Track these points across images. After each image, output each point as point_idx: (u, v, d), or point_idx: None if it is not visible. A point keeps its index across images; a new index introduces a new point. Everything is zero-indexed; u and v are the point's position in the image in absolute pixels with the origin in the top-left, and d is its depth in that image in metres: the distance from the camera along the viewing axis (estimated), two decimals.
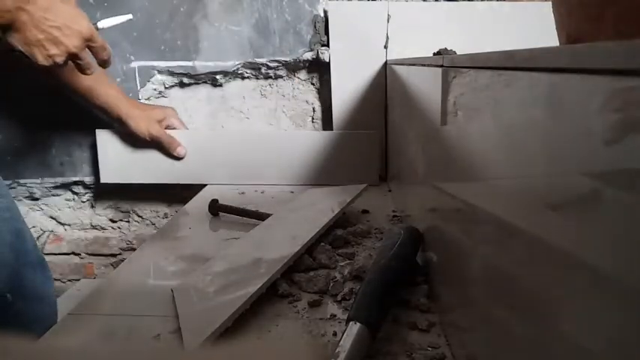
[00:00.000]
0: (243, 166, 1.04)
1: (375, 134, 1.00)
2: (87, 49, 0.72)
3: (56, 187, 1.13)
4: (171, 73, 1.05)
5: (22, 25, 0.65)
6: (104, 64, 0.76)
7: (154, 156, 1.04)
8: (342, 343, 0.40)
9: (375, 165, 1.01)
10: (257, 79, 1.07)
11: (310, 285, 0.55)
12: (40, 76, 0.93)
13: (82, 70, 0.75)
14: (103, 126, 1.06)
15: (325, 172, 1.03)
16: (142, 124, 0.95)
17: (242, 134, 1.05)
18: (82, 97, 0.93)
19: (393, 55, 0.97)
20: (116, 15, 0.80)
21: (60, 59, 0.69)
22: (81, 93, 0.92)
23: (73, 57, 0.71)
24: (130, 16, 0.82)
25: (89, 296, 0.56)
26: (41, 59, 0.68)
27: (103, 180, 1.05)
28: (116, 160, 1.05)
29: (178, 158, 1.02)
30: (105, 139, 1.04)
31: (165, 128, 0.99)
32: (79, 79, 0.90)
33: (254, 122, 1.09)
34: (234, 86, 1.07)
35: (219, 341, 0.44)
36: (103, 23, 0.79)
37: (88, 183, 1.11)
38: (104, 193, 1.14)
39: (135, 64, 1.04)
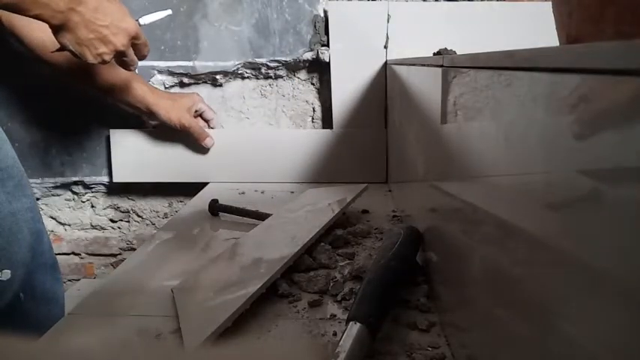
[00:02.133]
0: (246, 164, 1.04)
1: (382, 132, 1.01)
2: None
3: (56, 187, 1.13)
4: (171, 73, 1.05)
5: (74, 25, 0.66)
6: (143, 58, 0.78)
7: (156, 155, 1.05)
8: (342, 343, 0.40)
9: (382, 162, 1.02)
10: (257, 79, 1.07)
11: (310, 285, 0.55)
12: (62, 79, 0.95)
13: (127, 66, 0.76)
14: (103, 125, 1.06)
15: (332, 170, 1.03)
16: (172, 114, 0.95)
17: (251, 132, 1.05)
18: (112, 95, 0.93)
19: (393, 55, 0.97)
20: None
21: (108, 57, 0.71)
22: (111, 90, 0.93)
23: (119, 54, 0.72)
24: (169, 12, 0.83)
25: (89, 296, 0.56)
26: (91, 58, 0.69)
27: (115, 179, 1.07)
28: (125, 159, 1.06)
29: (205, 149, 1.03)
30: (118, 139, 1.05)
31: (195, 113, 1.00)
32: (109, 78, 0.91)
33: (254, 122, 1.09)
34: (234, 86, 1.07)
35: (219, 341, 0.44)
36: (145, 19, 0.79)
37: (88, 183, 1.11)
38: (104, 192, 1.14)
39: None
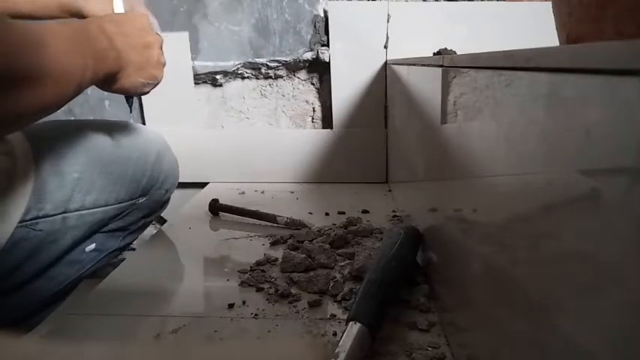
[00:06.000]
0: (246, 164, 1.04)
1: (382, 132, 1.01)
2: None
3: None
4: None
5: (127, 65, 0.56)
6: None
7: None
8: (342, 343, 0.40)
9: (382, 162, 1.02)
10: (257, 79, 1.07)
11: (310, 285, 0.55)
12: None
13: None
14: None
15: (332, 170, 1.04)
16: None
17: (251, 132, 1.06)
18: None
19: (393, 55, 0.97)
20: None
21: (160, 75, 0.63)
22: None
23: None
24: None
25: (89, 296, 0.56)
26: (149, 88, 0.61)
27: None
28: None
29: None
30: None
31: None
32: None
33: (254, 122, 1.09)
34: (234, 86, 1.07)
35: (219, 342, 0.44)
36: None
37: None
38: None
39: None
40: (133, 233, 0.73)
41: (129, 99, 0.67)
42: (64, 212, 0.59)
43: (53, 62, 0.40)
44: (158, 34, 0.63)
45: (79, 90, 0.45)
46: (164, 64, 0.64)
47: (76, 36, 0.45)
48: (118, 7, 0.69)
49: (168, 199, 0.82)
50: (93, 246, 0.65)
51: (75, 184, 0.61)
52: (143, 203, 0.72)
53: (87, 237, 0.64)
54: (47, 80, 0.39)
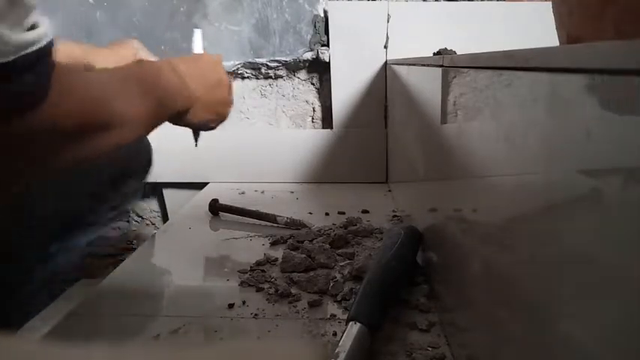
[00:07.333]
0: (246, 164, 1.05)
1: (382, 132, 1.01)
2: None
3: None
4: None
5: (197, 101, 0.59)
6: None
7: (157, 155, 1.04)
8: (342, 343, 0.40)
9: (382, 162, 1.02)
10: (257, 79, 1.07)
11: (310, 285, 0.55)
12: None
13: None
14: None
15: (332, 170, 1.04)
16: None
17: (251, 132, 1.05)
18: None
19: (393, 55, 0.97)
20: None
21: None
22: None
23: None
24: (199, 30, 0.76)
25: (89, 296, 0.56)
26: (214, 124, 0.65)
27: None
28: None
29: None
30: None
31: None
32: None
33: (254, 122, 1.09)
34: (234, 86, 1.07)
35: (219, 342, 0.44)
36: (197, 49, 0.74)
37: None
38: None
39: None
40: (102, 226, 0.72)
41: (195, 133, 0.69)
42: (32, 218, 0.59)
43: (129, 107, 0.43)
44: (228, 75, 0.67)
45: (153, 128, 0.49)
46: (231, 103, 0.66)
47: (147, 78, 0.48)
48: (197, 48, 0.73)
49: (140, 187, 0.80)
50: (62, 244, 0.65)
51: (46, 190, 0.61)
52: (114, 196, 0.71)
53: (56, 236, 0.64)
54: (124, 124, 0.42)
